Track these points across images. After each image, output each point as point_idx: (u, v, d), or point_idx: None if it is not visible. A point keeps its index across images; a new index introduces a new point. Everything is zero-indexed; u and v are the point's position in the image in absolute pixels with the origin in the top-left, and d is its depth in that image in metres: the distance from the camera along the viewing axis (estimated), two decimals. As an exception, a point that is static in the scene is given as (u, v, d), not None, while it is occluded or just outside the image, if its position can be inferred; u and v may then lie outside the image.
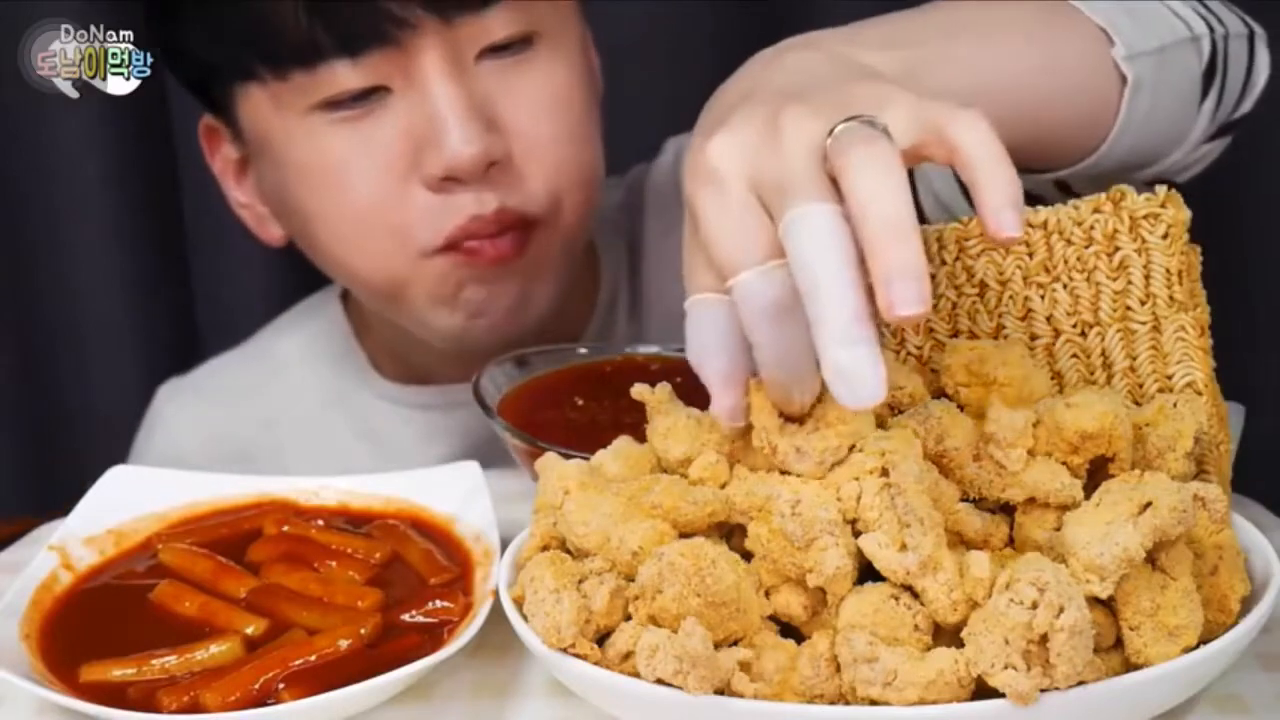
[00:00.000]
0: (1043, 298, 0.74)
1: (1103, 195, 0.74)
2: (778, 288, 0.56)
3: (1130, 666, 0.59)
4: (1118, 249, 0.73)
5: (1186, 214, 0.73)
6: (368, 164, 0.92)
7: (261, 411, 1.14)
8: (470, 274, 0.94)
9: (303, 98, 0.91)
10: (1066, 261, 0.74)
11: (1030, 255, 0.75)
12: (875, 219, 0.53)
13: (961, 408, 0.67)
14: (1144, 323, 0.73)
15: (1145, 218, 0.73)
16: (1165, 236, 0.72)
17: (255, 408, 1.15)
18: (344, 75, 0.89)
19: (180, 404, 1.17)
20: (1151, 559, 0.60)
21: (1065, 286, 0.74)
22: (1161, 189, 0.73)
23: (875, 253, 0.53)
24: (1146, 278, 0.73)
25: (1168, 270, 0.72)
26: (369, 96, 0.91)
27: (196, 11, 0.93)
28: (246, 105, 0.95)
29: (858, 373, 0.53)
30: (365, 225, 0.94)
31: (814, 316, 0.54)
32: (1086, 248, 0.74)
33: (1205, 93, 0.85)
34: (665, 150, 1.15)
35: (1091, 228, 0.74)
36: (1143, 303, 0.73)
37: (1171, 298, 0.72)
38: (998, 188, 0.56)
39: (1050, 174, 0.83)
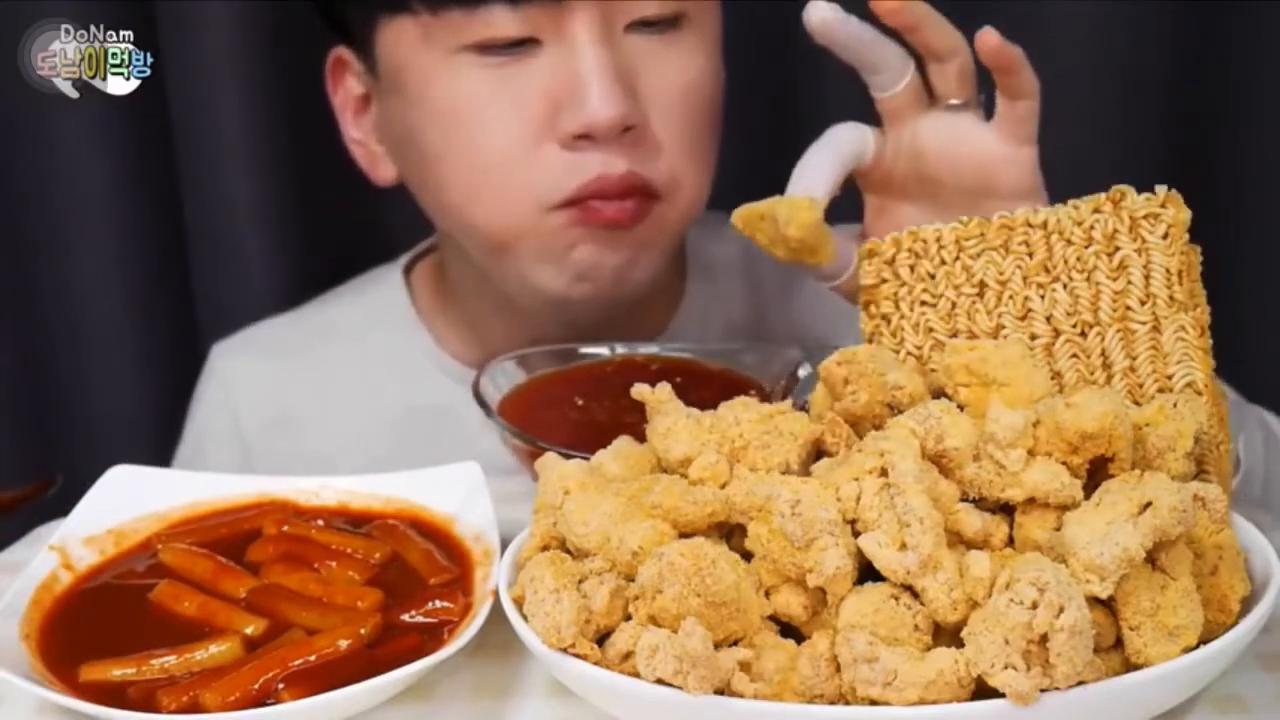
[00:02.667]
0: (1042, 298, 0.74)
1: (1103, 195, 0.74)
2: None
3: (1130, 666, 0.59)
4: (1118, 249, 0.73)
5: (1186, 214, 0.72)
6: (506, 112, 0.93)
7: (313, 372, 1.14)
8: (584, 233, 0.95)
9: (454, 37, 0.92)
10: (1066, 261, 0.74)
11: (1030, 255, 0.75)
12: None
13: (961, 408, 0.67)
14: (1144, 322, 0.72)
15: (1145, 218, 0.73)
16: (1165, 236, 0.72)
17: (306, 367, 1.15)
18: (501, 20, 0.91)
19: (232, 359, 1.17)
20: (1151, 559, 0.60)
21: (1065, 286, 0.74)
22: (1161, 189, 0.73)
23: None
24: (1146, 278, 0.73)
25: (1168, 270, 0.72)
26: (519, 46, 0.92)
27: None
28: (390, 37, 0.95)
29: None
30: (492, 173, 0.94)
31: None
32: (1086, 248, 0.73)
33: None
34: None
35: (1091, 228, 0.74)
36: (1143, 303, 0.73)
37: (1171, 298, 0.72)
38: None
39: None
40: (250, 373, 1.16)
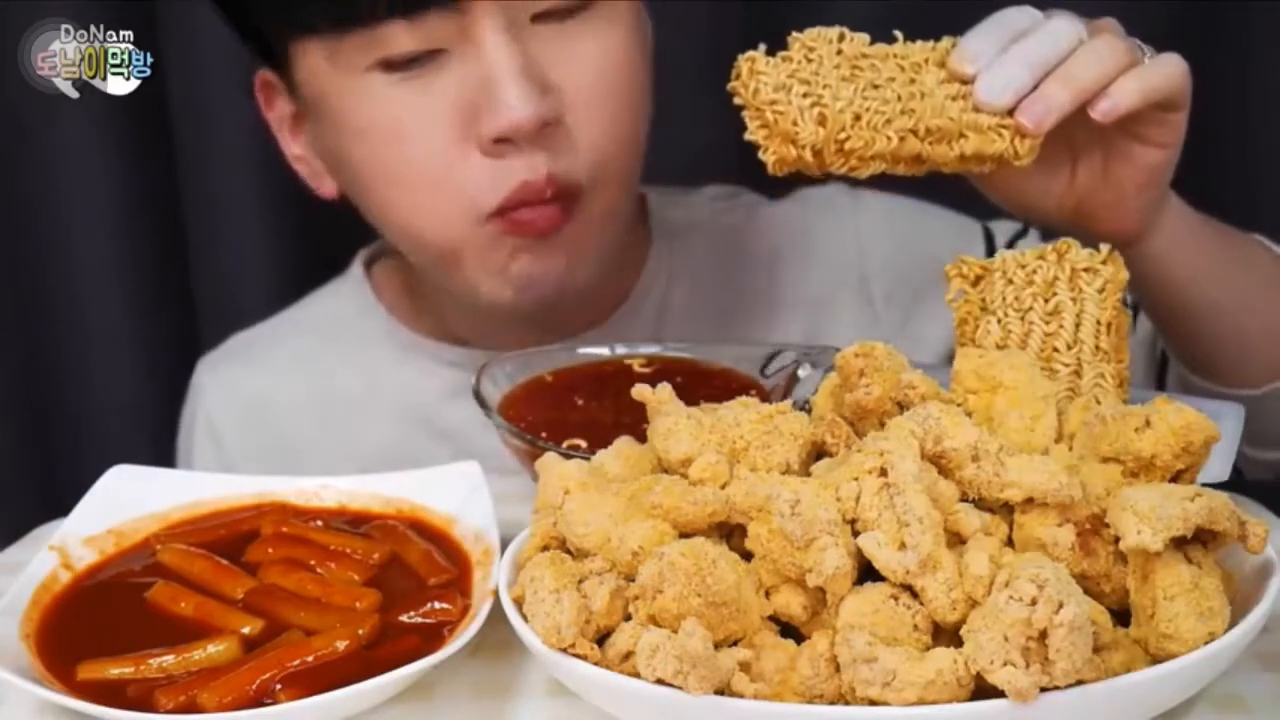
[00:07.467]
0: (975, 328, 0.77)
1: (1049, 245, 0.77)
2: None
3: (1153, 647, 0.60)
4: (1055, 295, 0.76)
5: (1125, 275, 0.76)
6: (424, 124, 0.92)
7: (282, 372, 1.16)
8: (519, 244, 0.95)
9: (360, 56, 0.91)
10: (1004, 299, 0.77)
11: (973, 285, 0.79)
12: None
13: (969, 415, 0.67)
14: (1066, 365, 0.75)
15: (1085, 270, 0.76)
16: (1101, 290, 0.75)
17: (276, 368, 1.16)
18: (401, 36, 0.89)
19: (208, 372, 1.19)
20: (1188, 556, 0.61)
21: (999, 321, 0.76)
22: (1105, 247, 0.76)
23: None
24: (1077, 325, 0.76)
25: (1098, 321, 0.75)
26: (427, 57, 0.90)
27: None
28: (304, 61, 0.95)
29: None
30: (422, 186, 0.94)
31: None
32: (1025, 289, 0.77)
33: None
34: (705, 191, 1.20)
35: (1034, 272, 0.77)
36: (1069, 346, 0.76)
37: (1097, 347, 0.75)
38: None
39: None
40: (224, 382, 1.18)
